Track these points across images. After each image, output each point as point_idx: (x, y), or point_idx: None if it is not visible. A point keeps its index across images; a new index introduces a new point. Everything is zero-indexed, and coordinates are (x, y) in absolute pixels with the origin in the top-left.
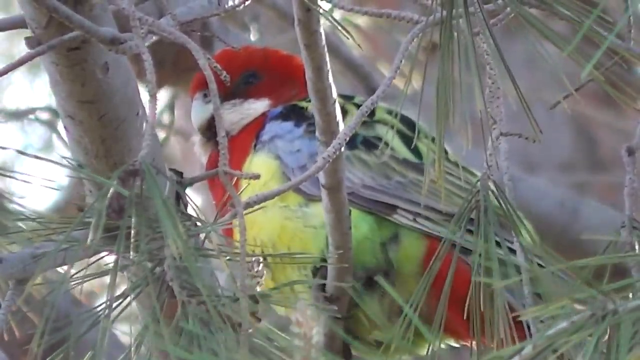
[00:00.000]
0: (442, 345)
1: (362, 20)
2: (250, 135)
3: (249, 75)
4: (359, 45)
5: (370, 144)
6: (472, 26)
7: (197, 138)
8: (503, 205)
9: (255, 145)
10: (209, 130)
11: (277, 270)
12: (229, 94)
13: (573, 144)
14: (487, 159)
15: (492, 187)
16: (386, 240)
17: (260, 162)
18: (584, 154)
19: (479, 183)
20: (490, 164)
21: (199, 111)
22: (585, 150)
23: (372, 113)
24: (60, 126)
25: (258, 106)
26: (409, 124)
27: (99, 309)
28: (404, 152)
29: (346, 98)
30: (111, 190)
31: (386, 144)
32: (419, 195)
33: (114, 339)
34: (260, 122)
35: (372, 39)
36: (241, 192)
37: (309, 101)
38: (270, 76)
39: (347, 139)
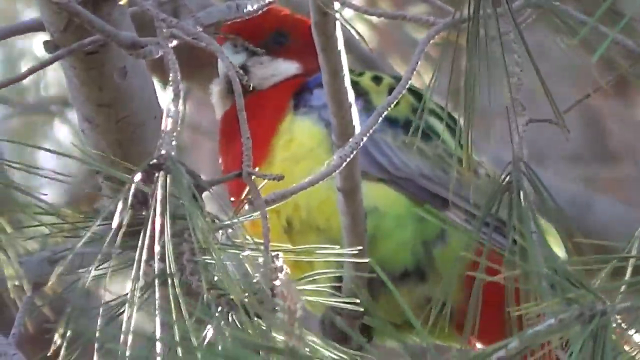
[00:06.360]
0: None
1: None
2: (284, 94)
3: (279, 34)
4: (370, 49)
5: (424, 134)
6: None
7: (217, 88)
8: (537, 187)
9: (295, 106)
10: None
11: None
12: (259, 48)
13: (582, 135)
14: (516, 144)
15: (524, 168)
16: (430, 239)
17: (305, 127)
18: (593, 145)
19: (510, 165)
20: (519, 148)
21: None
22: (594, 141)
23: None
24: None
25: (288, 67)
26: (453, 120)
27: (118, 300)
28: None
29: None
30: (137, 177)
31: (439, 136)
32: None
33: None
34: (296, 84)
35: (382, 32)
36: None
37: (359, 75)
38: (297, 40)
39: (364, 139)
